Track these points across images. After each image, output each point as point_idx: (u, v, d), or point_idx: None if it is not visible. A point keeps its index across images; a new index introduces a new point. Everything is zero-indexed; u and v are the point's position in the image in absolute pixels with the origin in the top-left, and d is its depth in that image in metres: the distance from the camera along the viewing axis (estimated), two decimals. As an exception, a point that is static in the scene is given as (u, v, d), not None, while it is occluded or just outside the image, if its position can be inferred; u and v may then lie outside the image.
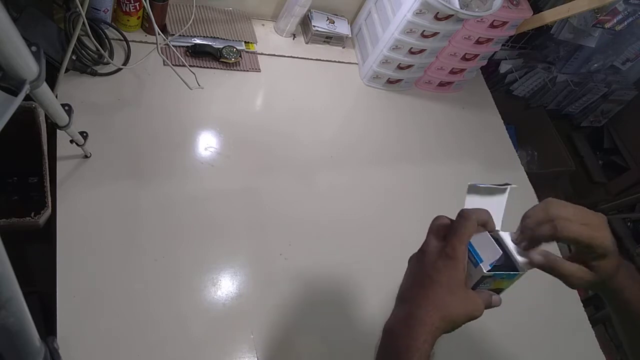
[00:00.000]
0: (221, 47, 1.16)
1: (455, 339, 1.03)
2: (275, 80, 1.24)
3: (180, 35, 1.11)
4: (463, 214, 0.55)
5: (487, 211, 0.57)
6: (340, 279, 0.99)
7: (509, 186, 0.61)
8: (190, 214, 0.94)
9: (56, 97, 0.79)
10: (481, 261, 0.55)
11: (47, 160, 0.87)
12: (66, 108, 0.75)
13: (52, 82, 0.93)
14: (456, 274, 0.53)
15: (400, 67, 1.30)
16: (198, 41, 1.16)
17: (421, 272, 0.55)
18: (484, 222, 0.57)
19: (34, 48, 0.52)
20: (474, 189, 0.61)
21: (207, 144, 1.05)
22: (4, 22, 0.44)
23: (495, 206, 0.59)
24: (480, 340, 1.03)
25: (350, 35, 1.36)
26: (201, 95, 1.11)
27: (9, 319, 0.41)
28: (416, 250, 0.59)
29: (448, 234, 0.55)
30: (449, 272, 0.53)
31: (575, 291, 1.23)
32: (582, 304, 1.19)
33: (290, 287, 0.94)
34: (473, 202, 0.60)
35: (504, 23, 1.24)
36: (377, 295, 0.99)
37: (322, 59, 1.34)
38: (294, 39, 1.34)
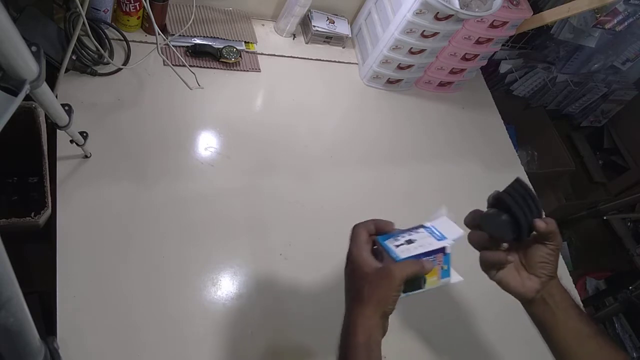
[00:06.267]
0: (221, 47, 1.16)
1: (457, 337, 1.03)
2: (275, 80, 1.24)
3: (180, 35, 1.11)
4: (353, 228, 0.67)
5: (374, 222, 0.67)
6: (341, 279, 0.99)
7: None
8: (190, 214, 0.94)
9: (56, 97, 0.79)
10: (444, 238, 0.64)
11: (47, 160, 0.87)
12: (66, 108, 0.75)
13: (52, 82, 0.93)
14: (359, 269, 0.62)
15: (400, 67, 1.30)
16: (198, 41, 1.16)
17: (347, 274, 0.65)
18: (379, 228, 0.67)
19: (34, 48, 0.52)
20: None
21: (207, 144, 1.05)
22: (4, 22, 0.44)
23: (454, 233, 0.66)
24: (480, 340, 1.03)
25: (350, 35, 1.36)
26: (201, 95, 1.11)
27: (9, 319, 0.41)
28: None
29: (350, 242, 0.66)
30: (353, 272, 0.63)
31: (576, 291, 1.23)
32: (582, 304, 1.19)
33: (290, 287, 0.94)
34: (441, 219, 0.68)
35: (504, 23, 1.24)
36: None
37: (322, 59, 1.34)
38: (294, 39, 1.34)
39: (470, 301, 1.07)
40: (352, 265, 0.63)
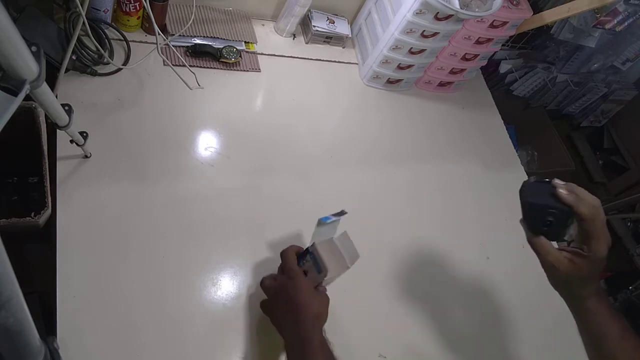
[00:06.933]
0: (221, 47, 1.16)
1: (464, 335, 1.03)
2: (275, 80, 1.24)
3: (180, 35, 1.11)
4: (283, 252, 0.83)
5: (294, 246, 0.84)
6: (341, 279, 0.99)
7: (343, 215, 0.83)
8: (190, 214, 0.94)
9: (56, 97, 0.79)
10: (321, 271, 0.78)
11: (47, 160, 0.87)
12: (66, 108, 0.75)
13: (52, 82, 0.93)
14: (305, 284, 0.77)
15: (400, 67, 1.30)
16: (198, 41, 1.16)
17: (285, 299, 0.77)
18: (298, 251, 0.83)
19: (34, 48, 0.52)
20: (320, 223, 0.80)
21: (207, 144, 1.05)
22: (4, 22, 0.44)
23: (331, 231, 0.82)
24: (483, 340, 1.03)
25: (350, 35, 1.36)
26: (201, 95, 1.11)
27: (9, 319, 0.41)
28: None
29: (284, 268, 0.81)
30: (300, 285, 0.76)
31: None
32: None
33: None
34: (319, 232, 0.80)
35: (504, 23, 1.24)
36: (378, 296, 0.99)
37: (322, 59, 1.34)
38: (294, 39, 1.34)
39: (474, 301, 1.07)
40: (296, 285, 0.76)
